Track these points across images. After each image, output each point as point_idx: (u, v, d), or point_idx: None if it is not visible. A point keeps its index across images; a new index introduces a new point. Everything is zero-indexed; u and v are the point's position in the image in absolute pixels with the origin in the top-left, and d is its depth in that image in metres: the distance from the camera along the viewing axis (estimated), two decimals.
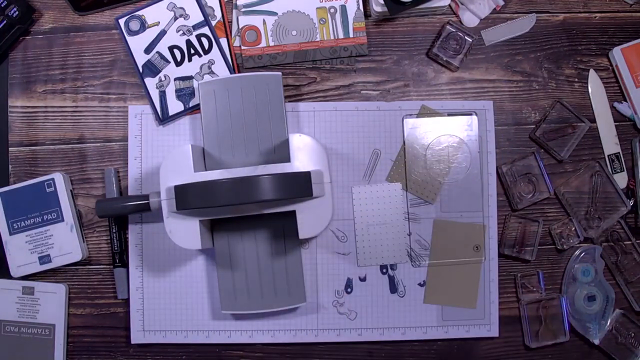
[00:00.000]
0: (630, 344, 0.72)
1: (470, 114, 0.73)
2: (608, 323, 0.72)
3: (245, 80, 0.68)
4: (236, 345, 0.72)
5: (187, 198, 0.60)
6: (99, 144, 0.73)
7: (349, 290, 0.72)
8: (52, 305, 0.71)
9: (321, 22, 0.73)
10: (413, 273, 0.72)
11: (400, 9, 0.70)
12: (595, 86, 0.75)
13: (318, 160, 0.65)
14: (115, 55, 0.74)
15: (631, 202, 0.73)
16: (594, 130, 0.74)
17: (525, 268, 0.73)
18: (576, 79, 0.75)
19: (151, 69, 0.72)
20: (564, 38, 0.75)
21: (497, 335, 0.72)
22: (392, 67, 0.74)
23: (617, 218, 0.73)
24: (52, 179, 0.70)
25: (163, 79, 0.72)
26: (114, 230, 0.71)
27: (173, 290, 0.72)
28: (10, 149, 0.73)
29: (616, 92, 0.75)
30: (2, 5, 0.70)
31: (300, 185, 0.61)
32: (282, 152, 0.68)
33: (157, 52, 0.72)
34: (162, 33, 0.73)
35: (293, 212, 0.64)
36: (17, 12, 0.71)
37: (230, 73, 0.73)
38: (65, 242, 0.70)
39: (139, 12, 0.72)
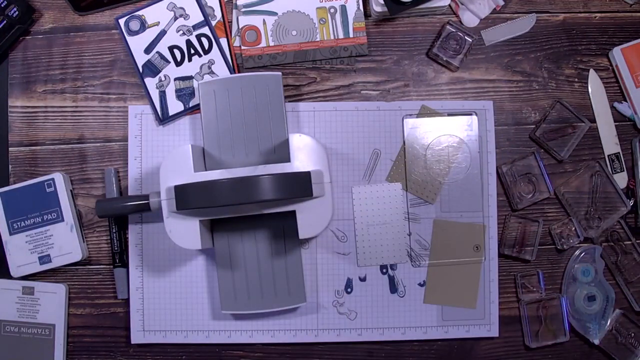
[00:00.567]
0: (630, 344, 0.72)
1: (470, 114, 0.73)
2: (608, 323, 0.72)
3: (245, 80, 0.68)
4: (236, 345, 0.72)
5: (187, 198, 0.60)
6: (99, 144, 0.73)
7: (349, 290, 0.72)
8: (52, 305, 0.71)
9: (321, 22, 0.73)
10: (413, 273, 0.72)
11: (400, 9, 0.70)
12: (595, 86, 0.75)
13: (318, 160, 0.65)
14: (115, 55, 0.74)
15: (631, 202, 0.73)
16: (594, 130, 0.74)
17: (525, 268, 0.73)
18: (576, 79, 0.75)
19: (151, 69, 0.72)
20: (564, 38, 0.75)
21: (497, 335, 0.72)
22: (392, 67, 0.74)
23: (617, 218, 0.73)
24: (52, 179, 0.70)
25: (163, 79, 0.73)
26: (114, 230, 0.71)
27: (173, 290, 0.72)
28: (10, 149, 0.73)
29: (616, 92, 0.75)
30: (2, 5, 0.70)
31: (300, 185, 0.61)
32: (282, 152, 0.68)
33: (157, 52, 0.72)
34: (162, 33, 0.73)
35: (293, 212, 0.64)
36: (17, 12, 0.71)
37: (230, 73, 0.73)
38: (65, 242, 0.70)
39: (139, 12, 0.72)
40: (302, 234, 0.64)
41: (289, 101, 0.73)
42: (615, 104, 0.75)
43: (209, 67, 0.73)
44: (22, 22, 0.71)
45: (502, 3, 0.74)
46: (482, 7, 0.74)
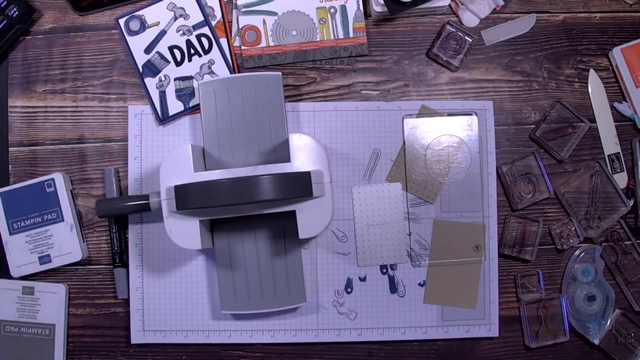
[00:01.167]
0: (630, 344, 0.72)
1: (470, 114, 0.73)
2: (608, 323, 0.72)
3: (245, 80, 0.68)
4: (236, 345, 0.72)
5: (187, 198, 0.60)
6: (99, 144, 0.73)
7: (349, 290, 0.72)
8: (52, 305, 0.71)
9: (321, 22, 0.73)
10: (413, 273, 0.72)
11: (400, 9, 0.70)
12: (595, 86, 0.75)
13: (318, 160, 0.65)
14: (115, 55, 0.74)
15: (631, 202, 0.73)
16: (594, 130, 0.74)
17: (525, 268, 0.73)
18: (576, 79, 0.75)
19: (151, 69, 0.72)
20: (564, 38, 0.75)
21: (497, 335, 0.72)
22: (392, 67, 0.74)
23: (617, 218, 0.73)
24: (52, 179, 0.70)
25: (163, 79, 0.73)
26: (114, 230, 0.71)
27: (173, 290, 0.72)
28: (10, 149, 0.73)
29: (616, 92, 0.75)
30: (2, 5, 0.70)
31: (300, 185, 0.61)
32: (282, 152, 0.68)
33: (157, 52, 0.72)
34: (162, 33, 0.73)
35: (293, 212, 0.64)
36: (17, 12, 0.71)
37: (230, 73, 0.73)
38: (65, 242, 0.70)
39: (139, 12, 0.72)
40: (302, 234, 0.64)
41: (289, 101, 0.73)
42: (615, 104, 0.75)
43: (209, 67, 0.73)
44: (22, 22, 0.71)
45: (502, 3, 0.74)
46: (482, 7, 0.74)
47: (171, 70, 0.73)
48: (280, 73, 0.68)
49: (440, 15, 0.75)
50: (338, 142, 0.73)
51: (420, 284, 0.72)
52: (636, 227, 0.74)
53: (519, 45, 0.75)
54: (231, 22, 0.74)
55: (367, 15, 0.74)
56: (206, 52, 0.73)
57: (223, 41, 0.73)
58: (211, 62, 0.73)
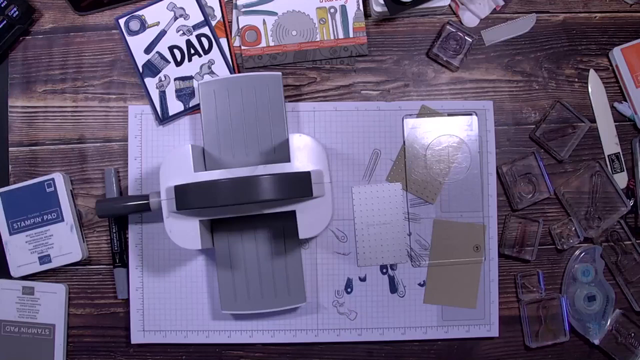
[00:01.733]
0: (630, 344, 0.72)
1: (470, 114, 0.73)
2: (608, 323, 0.72)
3: (245, 80, 0.68)
4: (236, 345, 0.72)
5: (187, 198, 0.60)
6: (99, 144, 0.73)
7: (349, 290, 0.72)
8: (52, 305, 0.71)
9: (321, 22, 0.73)
10: (413, 273, 0.72)
11: (400, 9, 0.70)
12: (595, 86, 0.75)
13: (318, 160, 0.65)
14: (115, 55, 0.74)
15: (631, 202, 0.73)
16: (594, 130, 0.74)
17: (525, 268, 0.73)
18: (576, 79, 0.75)
19: (151, 69, 0.72)
20: (564, 38, 0.75)
21: (497, 335, 0.72)
22: (392, 67, 0.74)
23: (617, 218, 0.73)
24: (52, 179, 0.70)
25: (163, 79, 0.73)
26: (114, 230, 0.71)
27: (173, 290, 0.72)
28: (10, 149, 0.73)
29: (616, 92, 0.75)
30: (2, 5, 0.70)
31: (300, 185, 0.61)
32: (282, 152, 0.68)
33: (157, 52, 0.72)
34: (162, 33, 0.73)
35: (293, 212, 0.64)
36: (17, 12, 0.71)
37: (230, 73, 0.73)
38: (65, 242, 0.70)
39: (139, 12, 0.72)
40: (302, 234, 0.64)
41: (289, 101, 0.73)
42: (615, 104, 0.75)
43: (209, 67, 0.73)
44: (22, 22, 0.71)
45: (502, 3, 0.74)
46: (482, 7, 0.74)
47: (171, 70, 0.73)
48: (280, 73, 0.68)
49: (440, 15, 0.75)
50: (338, 142, 0.73)
51: (420, 284, 0.72)
52: (636, 227, 0.74)
53: (519, 45, 0.75)
54: (231, 22, 0.74)
55: (367, 15, 0.74)
56: (206, 52, 0.73)
57: (223, 41, 0.73)
58: (211, 62, 0.73)
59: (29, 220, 0.70)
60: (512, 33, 0.74)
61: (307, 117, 0.73)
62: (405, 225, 0.72)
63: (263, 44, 0.73)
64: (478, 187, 0.73)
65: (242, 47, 0.73)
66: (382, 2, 0.70)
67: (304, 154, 0.65)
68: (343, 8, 0.73)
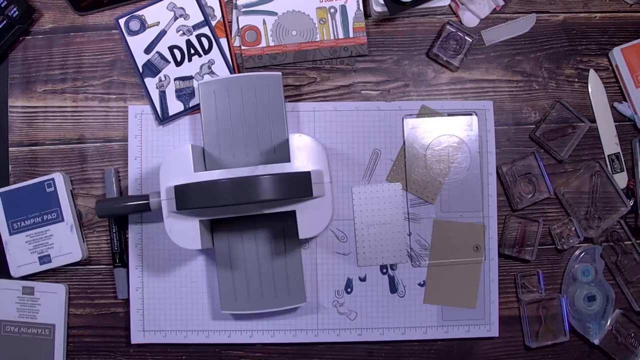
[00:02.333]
0: (630, 344, 0.72)
1: (470, 114, 0.73)
2: (608, 323, 0.72)
3: (245, 80, 0.68)
4: (236, 345, 0.72)
5: (187, 198, 0.60)
6: (99, 144, 0.73)
7: (349, 290, 0.72)
8: (52, 305, 0.71)
9: (321, 22, 0.73)
10: (413, 273, 0.72)
11: (400, 9, 0.70)
12: (595, 86, 0.75)
13: (318, 160, 0.65)
14: (115, 55, 0.74)
15: (631, 202, 0.73)
16: (594, 130, 0.74)
17: (525, 268, 0.73)
18: (576, 79, 0.75)
19: (151, 69, 0.72)
20: (564, 38, 0.75)
21: (497, 335, 0.72)
22: (392, 67, 0.74)
23: (617, 218, 0.73)
24: (52, 179, 0.70)
25: (163, 79, 0.73)
26: (114, 230, 0.71)
27: (173, 290, 0.72)
28: (10, 149, 0.73)
29: (616, 92, 0.75)
30: (2, 5, 0.70)
31: (300, 185, 0.61)
32: (282, 152, 0.68)
33: (157, 52, 0.72)
34: (162, 33, 0.73)
35: (293, 212, 0.64)
36: (17, 12, 0.71)
37: (230, 73, 0.73)
38: (65, 242, 0.70)
39: (139, 12, 0.72)
40: (302, 234, 0.64)
41: (289, 101, 0.73)
42: (615, 104, 0.75)
43: (209, 67, 0.73)
44: (22, 22, 0.71)
45: (502, 3, 0.74)
46: (482, 7, 0.74)
47: (171, 70, 0.73)
48: (280, 73, 0.68)
49: (440, 15, 0.75)
50: (338, 142, 0.73)
51: (420, 284, 0.72)
52: (636, 227, 0.74)
53: (519, 45, 0.75)
54: (231, 22, 0.74)
55: (367, 15, 0.74)
56: (206, 52, 0.73)
57: (223, 41, 0.73)
58: (211, 62, 0.73)
59: (29, 220, 0.70)
60: (512, 33, 0.74)
61: (307, 117, 0.73)
62: (405, 225, 0.72)
63: (263, 44, 0.73)
64: (478, 187, 0.73)
65: (242, 47, 0.73)
66: (382, 2, 0.70)
67: (304, 154, 0.65)
68: (343, 8, 0.73)
